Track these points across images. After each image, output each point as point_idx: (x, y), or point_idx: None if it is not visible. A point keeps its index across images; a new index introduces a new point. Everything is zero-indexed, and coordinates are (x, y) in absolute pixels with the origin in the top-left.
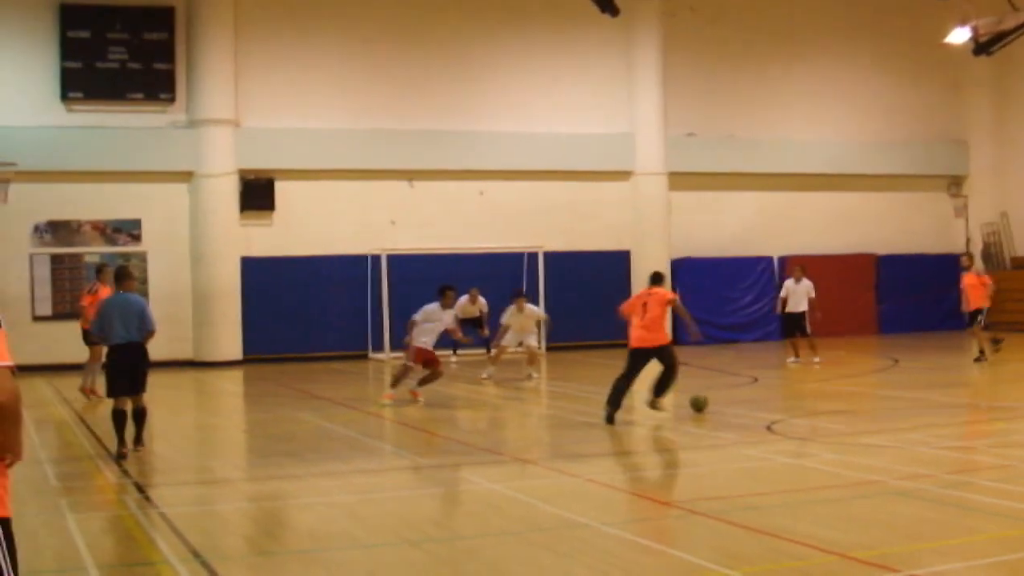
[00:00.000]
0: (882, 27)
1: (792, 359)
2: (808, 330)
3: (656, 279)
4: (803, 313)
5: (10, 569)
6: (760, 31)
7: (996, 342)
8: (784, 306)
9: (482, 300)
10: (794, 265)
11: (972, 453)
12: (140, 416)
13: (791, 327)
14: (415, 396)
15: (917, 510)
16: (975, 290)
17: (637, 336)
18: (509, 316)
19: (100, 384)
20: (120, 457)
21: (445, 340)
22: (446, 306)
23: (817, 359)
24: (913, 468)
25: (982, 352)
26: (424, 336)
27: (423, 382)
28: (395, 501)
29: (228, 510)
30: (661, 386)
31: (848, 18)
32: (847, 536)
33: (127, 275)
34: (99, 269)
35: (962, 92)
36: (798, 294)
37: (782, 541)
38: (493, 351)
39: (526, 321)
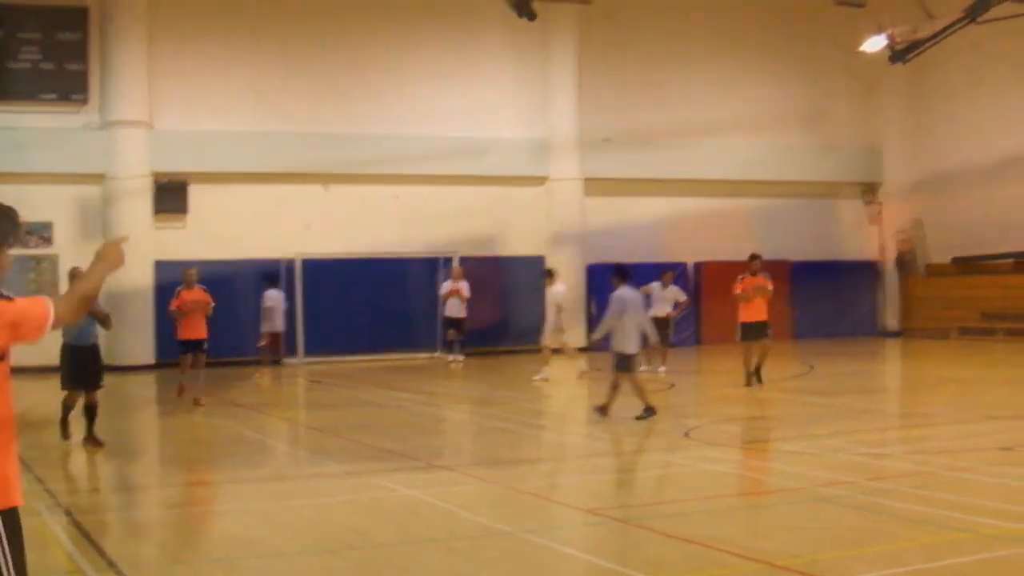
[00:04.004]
0: (799, 35)
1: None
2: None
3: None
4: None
5: (10, 568)
6: (676, 38)
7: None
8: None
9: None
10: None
11: (890, 459)
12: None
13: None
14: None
15: (839, 517)
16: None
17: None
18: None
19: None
20: None
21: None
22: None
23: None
24: (833, 474)
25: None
26: None
27: None
28: (313, 508)
29: (144, 518)
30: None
31: (765, 26)
32: (771, 543)
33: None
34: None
35: (877, 100)
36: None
37: (706, 548)
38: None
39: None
